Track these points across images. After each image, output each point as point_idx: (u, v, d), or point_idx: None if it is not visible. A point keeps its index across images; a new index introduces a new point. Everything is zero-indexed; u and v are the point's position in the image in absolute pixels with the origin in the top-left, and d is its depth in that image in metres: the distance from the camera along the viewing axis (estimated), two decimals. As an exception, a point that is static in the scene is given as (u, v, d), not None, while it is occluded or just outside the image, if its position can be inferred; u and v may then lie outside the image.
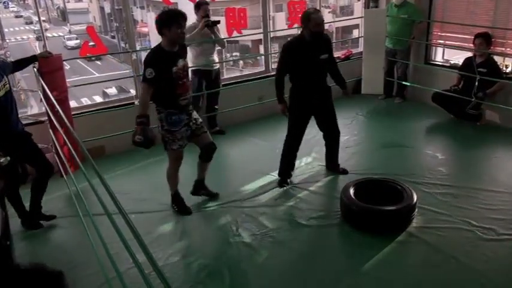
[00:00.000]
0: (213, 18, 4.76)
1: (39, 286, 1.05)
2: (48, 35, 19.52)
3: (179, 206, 3.54)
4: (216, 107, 5.08)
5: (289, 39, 3.90)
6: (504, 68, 5.07)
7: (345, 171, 4.04)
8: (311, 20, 3.43)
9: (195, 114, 3.38)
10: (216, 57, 4.98)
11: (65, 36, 17.10)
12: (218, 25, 4.80)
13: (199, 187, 3.66)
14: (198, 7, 4.67)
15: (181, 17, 3.04)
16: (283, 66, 3.67)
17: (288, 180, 3.93)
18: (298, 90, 3.69)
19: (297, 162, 4.23)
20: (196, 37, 4.65)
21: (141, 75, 3.36)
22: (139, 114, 3.02)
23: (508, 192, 3.58)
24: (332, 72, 3.83)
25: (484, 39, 4.82)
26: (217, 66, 5.03)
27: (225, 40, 4.99)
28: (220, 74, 5.09)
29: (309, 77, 3.65)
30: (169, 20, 3.01)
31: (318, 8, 5.01)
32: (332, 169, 4.08)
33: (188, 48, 4.74)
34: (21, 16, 23.01)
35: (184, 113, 3.23)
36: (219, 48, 5.19)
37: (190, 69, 4.83)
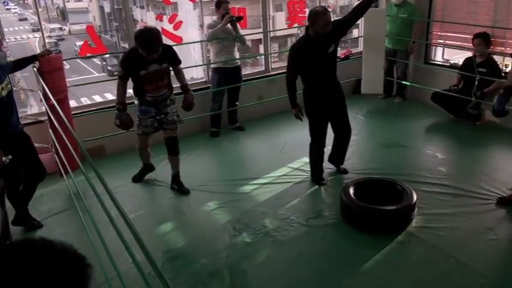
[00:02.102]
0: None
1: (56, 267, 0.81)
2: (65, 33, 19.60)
3: (139, 174, 4.05)
4: (236, 103, 5.12)
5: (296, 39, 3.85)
6: (504, 68, 5.06)
7: (344, 171, 4.04)
8: (319, 21, 3.33)
9: (170, 110, 3.65)
10: (237, 54, 4.99)
11: (76, 44, 17.06)
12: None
13: (173, 181, 3.91)
14: (218, 5, 4.73)
15: (143, 45, 3.28)
16: (292, 69, 3.62)
17: (323, 176, 3.93)
18: (311, 90, 3.66)
19: (296, 162, 4.24)
20: (219, 33, 4.67)
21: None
22: (116, 103, 3.57)
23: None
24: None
25: (483, 39, 4.81)
26: (238, 63, 5.05)
27: (245, 37, 4.98)
28: (241, 70, 5.12)
29: (319, 75, 3.60)
30: (136, 42, 3.34)
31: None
32: (334, 163, 4.07)
33: (209, 45, 4.89)
34: (25, 19, 22.69)
35: (152, 107, 3.61)
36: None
37: (211, 68, 4.98)
